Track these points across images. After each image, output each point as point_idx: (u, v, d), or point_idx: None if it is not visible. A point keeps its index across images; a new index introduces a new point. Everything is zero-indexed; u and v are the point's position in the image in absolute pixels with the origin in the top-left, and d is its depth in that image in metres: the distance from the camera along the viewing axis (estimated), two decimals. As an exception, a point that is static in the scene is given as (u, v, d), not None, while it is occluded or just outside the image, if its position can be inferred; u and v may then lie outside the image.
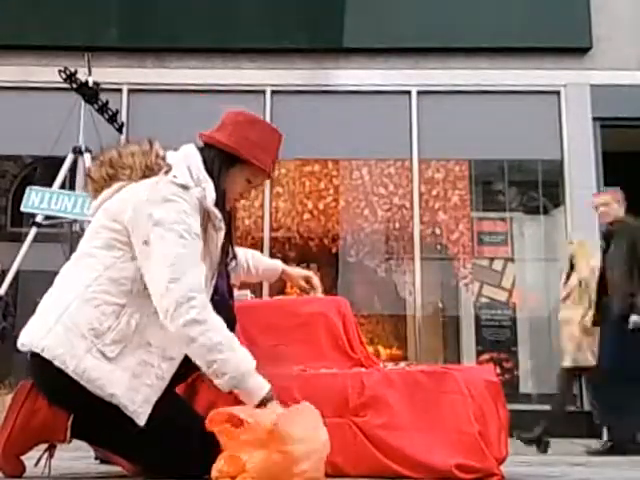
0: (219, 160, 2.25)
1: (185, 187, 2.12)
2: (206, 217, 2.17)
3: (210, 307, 2.05)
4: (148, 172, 2.21)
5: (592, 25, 7.32)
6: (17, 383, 2.20)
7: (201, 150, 2.27)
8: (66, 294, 2.10)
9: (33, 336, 2.06)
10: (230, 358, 2.01)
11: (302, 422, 2.01)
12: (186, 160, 2.22)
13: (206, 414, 2.14)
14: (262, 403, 2.03)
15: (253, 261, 2.74)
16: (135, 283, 2.08)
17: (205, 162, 2.23)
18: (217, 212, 2.16)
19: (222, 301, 2.33)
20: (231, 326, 2.23)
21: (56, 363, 2.00)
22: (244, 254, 2.70)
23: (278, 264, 2.82)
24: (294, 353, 2.56)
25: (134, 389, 2.03)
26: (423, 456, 2.31)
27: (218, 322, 2.04)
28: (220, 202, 2.21)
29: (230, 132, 2.26)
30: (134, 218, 2.09)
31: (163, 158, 2.23)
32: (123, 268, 2.09)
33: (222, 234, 2.21)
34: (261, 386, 2.05)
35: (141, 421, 2.04)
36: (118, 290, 2.07)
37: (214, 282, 2.27)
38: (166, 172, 2.17)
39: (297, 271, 2.86)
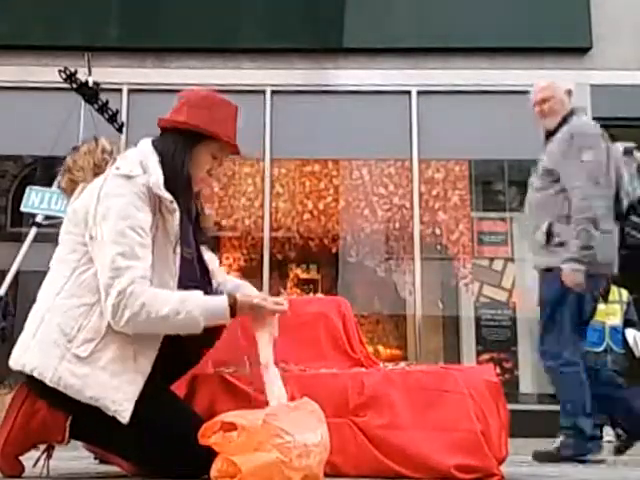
0: (181, 141, 2.25)
1: (128, 177, 2.12)
2: (157, 201, 2.15)
3: (143, 288, 2.04)
4: (97, 170, 2.25)
5: (592, 25, 7.32)
6: (17, 383, 2.20)
7: (161, 136, 2.28)
8: (40, 307, 2.14)
9: (15, 355, 2.12)
10: (184, 317, 2.05)
11: (296, 417, 2.02)
12: (137, 150, 2.23)
13: (206, 414, 2.14)
14: (234, 313, 2.12)
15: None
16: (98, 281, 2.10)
17: (163, 147, 2.22)
18: (166, 194, 2.14)
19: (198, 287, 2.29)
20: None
21: (35, 375, 2.05)
22: (232, 283, 2.53)
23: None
24: (294, 353, 2.55)
25: (114, 388, 2.03)
26: (423, 456, 2.31)
27: (155, 297, 2.04)
28: (180, 183, 2.20)
29: (187, 111, 2.26)
30: (85, 217, 2.12)
31: (110, 152, 2.27)
32: (86, 269, 2.11)
33: (177, 214, 2.17)
34: (222, 304, 2.11)
35: (124, 419, 2.03)
36: (85, 290, 2.09)
37: (178, 263, 2.21)
38: (112, 165, 2.19)
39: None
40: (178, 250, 2.20)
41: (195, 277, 2.30)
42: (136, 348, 2.09)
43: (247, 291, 2.41)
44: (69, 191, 2.30)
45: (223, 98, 2.37)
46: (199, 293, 2.12)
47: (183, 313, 2.05)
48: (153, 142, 2.27)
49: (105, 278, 2.04)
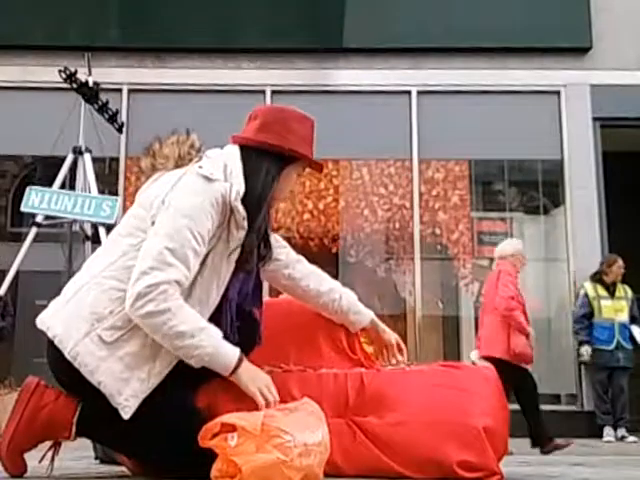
0: (272, 162, 2.19)
1: (208, 179, 2.07)
2: (228, 212, 2.10)
3: (177, 295, 1.99)
4: (180, 162, 2.21)
5: (592, 25, 7.33)
6: (18, 383, 2.20)
7: (246, 150, 2.20)
8: (82, 277, 2.13)
9: (44, 314, 2.10)
10: (193, 344, 1.99)
11: (296, 418, 2.02)
12: (223, 156, 2.18)
13: (205, 414, 2.14)
14: (234, 371, 2.06)
15: (341, 300, 2.51)
16: None
17: (249, 165, 2.17)
18: (241, 208, 2.08)
19: (247, 318, 2.28)
20: (252, 342, 2.24)
21: (56, 342, 2.03)
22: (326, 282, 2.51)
23: (368, 313, 2.54)
24: (294, 353, 2.55)
25: (124, 380, 2.01)
26: (424, 455, 2.31)
27: (181, 310, 1.99)
28: (257, 204, 2.15)
29: (277, 131, 2.21)
30: (152, 203, 2.08)
31: (198, 149, 2.24)
32: (136, 256, 2.05)
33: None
34: (232, 355, 2.05)
35: (126, 414, 2.01)
36: (129, 277, 2.03)
37: (228, 276, 2.18)
38: (196, 162, 2.16)
39: (388, 331, 2.55)
40: (233, 264, 2.15)
41: (247, 291, 2.28)
42: (158, 350, 2.05)
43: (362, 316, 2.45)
44: (147, 173, 2.26)
45: (303, 114, 2.33)
46: (218, 332, 2.05)
47: (196, 340, 1.99)
48: (241, 152, 2.20)
49: (144, 265, 1.98)
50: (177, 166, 2.20)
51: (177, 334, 1.99)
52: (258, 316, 2.37)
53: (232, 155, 2.18)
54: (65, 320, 2.05)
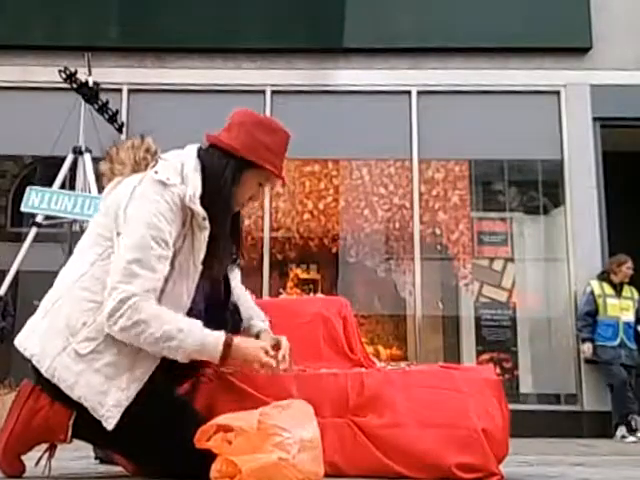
0: (231, 164, 2.21)
1: (164, 184, 2.10)
2: (189, 214, 2.13)
3: (148, 304, 2.01)
4: (136, 167, 2.21)
5: (592, 25, 7.32)
6: (17, 383, 2.20)
7: (207, 150, 2.24)
8: (55, 292, 2.14)
9: (21, 336, 2.13)
10: (175, 345, 2.02)
11: (289, 415, 2.02)
12: (179, 157, 2.21)
13: (205, 414, 2.14)
14: (224, 357, 2.07)
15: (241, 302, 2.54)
16: None
17: (210, 164, 2.20)
18: (199, 210, 2.12)
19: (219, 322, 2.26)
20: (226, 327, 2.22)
21: (33, 362, 2.06)
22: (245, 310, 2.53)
23: (260, 324, 2.50)
24: (294, 353, 2.55)
25: (104, 392, 2.02)
26: (423, 456, 2.31)
27: (159, 318, 2.01)
28: (218, 204, 2.17)
29: (242, 136, 2.23)
30: (116, 212, 2.10)
31: (154, 153, 2.23)
32: (103, 265, 2.09)
33: (206, 233, 2.15)
34: (215, 346, 2.06)
35: (109, 425, 2.02)
36: (99, 287, 2.06)
37: (197, 278, 2.21)
38: (152, 167, 2.17)
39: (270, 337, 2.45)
40: (199, 265, 2.18)
41: (218, 294, 2.32)
42: (135, 356, 2.06)
43: (256, 325, 2.44)
44: (108, 176, 2.27)
45: (278, 124, 2.33)
46: (199, 325, 2.07)
47: (175, 342, 2.02)
48: (199, 152, 2.24)
49: (113, 280, 2.01)
50: (134, 171, 2.21)
51: (156, 340, 2.01)
52: (229, 319, 2.40)
53: (189, 155, 2.21)
54: (41, 338, 2.07)
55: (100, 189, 2.35)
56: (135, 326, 1.99)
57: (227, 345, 2.07)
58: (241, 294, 2.54)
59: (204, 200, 2.13)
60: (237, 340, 2.10)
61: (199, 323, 2.08)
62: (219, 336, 2.07)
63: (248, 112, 2.33)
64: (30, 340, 2.09)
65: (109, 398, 2.02)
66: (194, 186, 2.14)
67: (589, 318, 6.73)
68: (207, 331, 2.07)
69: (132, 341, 2.02)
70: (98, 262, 2.09)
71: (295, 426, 1.98)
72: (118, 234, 2.06)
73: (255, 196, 2.35)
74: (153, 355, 2.09)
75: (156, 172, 2.13)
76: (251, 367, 2.17)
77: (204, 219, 2.13)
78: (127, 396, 2.04)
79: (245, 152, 2.22)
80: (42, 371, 2.03)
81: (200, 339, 2.05)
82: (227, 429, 1.92)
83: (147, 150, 2.23)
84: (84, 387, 2.01)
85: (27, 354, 2.07)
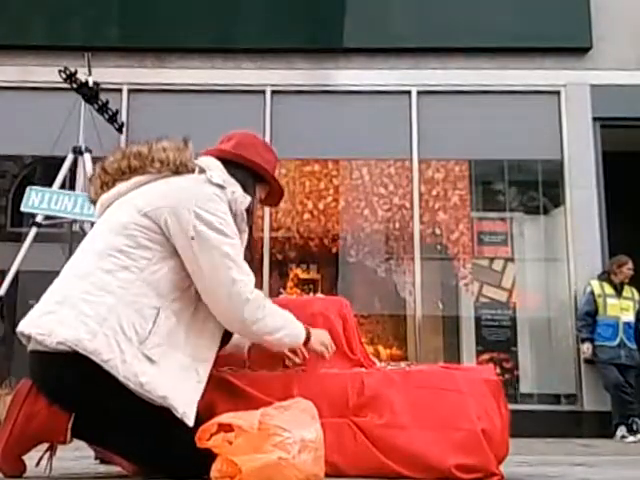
0: (250, 176, 2.40)
1: (221, 187, 2.20)
2: (232, 217, 2.23)
3: (264, 295, 2.22)
4: (182, 168, 2.25)
5: (592, 25, 7.32)
6: (17, 383, 2.20)
7: (226, 164, 2.35)
8: (102, 294, 2.04)
9: (79, 336, 1.98)
10: (285, 335, 2.29)
11: (290, 415, 2.02)
12: (207, 165, 2.29)
13: (205, 414, 2.14)
14: (307, 341, 2.39)
15: None
16: (167, 285, 2.10)
17: (234, 174, 2.33)
18: (245, 214, 2.25)
19: None
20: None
21: (106, 367, 1.98)
22: None
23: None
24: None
25: (182, 392, 2.07)
26: (423, 456, 2.31)
27: (273, 307, 2.25)
28: (250, 208, 2.31)
29: (252, 152, 2.41)
30: (175, 215, 2.10)
31: (195, 158, 2.30)
32: (156, 270, 2.09)
33: (245, 236, 2.28)
34: (302, 337, 2.37)
35: (190, 421, 2.06)
36: (154, 293, 2.08)
37: None
38: (200, 172, 2.24)
39: None
40: None
41: None
42: (196, 358, 2.14)
43: None
44: (115, 176, 2.25)
45: (268, 144, 2.62)
46: (292, 315, 2.34)
47: (282, 333, 2.28)
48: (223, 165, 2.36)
49: (229, 274, 2.11)
50: (177, 172, 2.25)
51: (276, 329, 2.26)
52: None
53: (212, 162, 2.33)
54: (110, 344, 1.99)
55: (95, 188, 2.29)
56: (269, 314, 2.21)
57: (308, 332, 2.38)
58: None
59: None
60: (311, 330, 2.42)
61: (289, 314, 2.33)
62: (302, 326, 2.37)
63: (247, 133, 2.52)
64: (96, 344, 1.98)
65: (186, 397, 2.08)
66: (239, 191, 2.27)
67: (589, 318, 6.73)
68: (297, 324, 2.35)
69: (263, 330, 2.22)
70: (150, 267, 2.09)
71: (296, 426, 1.98)
72: (192, 238, 2.09)
73: (255, 210, 2.52)
74: (210, 356, 2.21)
75: (211, 176, 2.22)
76: (317, 354, 2.46)
77: (246, 223, 2.27)
78: (198, 395, 2.12)
79: (263, 167, 2.42)
80: (119, 376, 1.98)
81: (299, 328, 2.35)
82: (228, 428, 1.92)
83: (191, 155, 2.30)
84: (164, 388, 2.03)
85: (96, 358, 1.97)
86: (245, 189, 2.31)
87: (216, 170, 2.27)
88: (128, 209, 2.16)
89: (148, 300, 2.06)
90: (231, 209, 2.20)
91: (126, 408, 2.03)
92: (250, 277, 2.17)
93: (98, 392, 2.03)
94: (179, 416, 2.04)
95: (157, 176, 2.23)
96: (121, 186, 2.24)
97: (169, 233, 2.11)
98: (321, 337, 2.45)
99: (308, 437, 2.00)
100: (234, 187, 2.25)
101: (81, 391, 2.04)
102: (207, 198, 2.15)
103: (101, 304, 2.03)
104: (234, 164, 2.36)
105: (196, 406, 2.10)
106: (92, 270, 2.09)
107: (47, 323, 2.03)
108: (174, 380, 2.06)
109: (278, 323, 2.25)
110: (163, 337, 2.06)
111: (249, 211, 2.31)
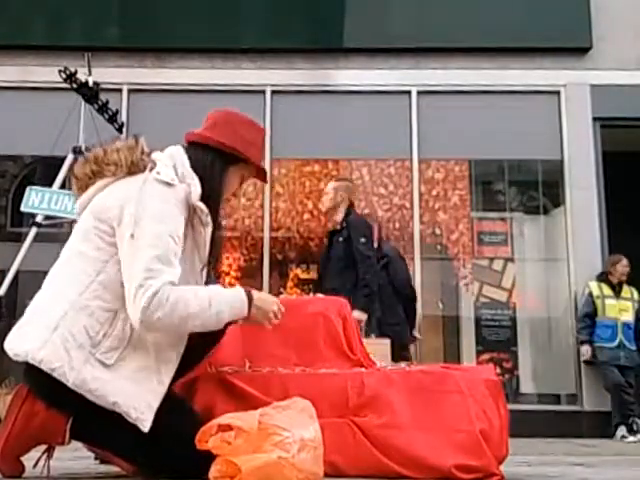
0: (218, 160, 2.30)
1: (169, 184, 2.14)
2: (192, 212, 2.18)
3: (176, 288, 2.04)
4: (133, 168, 2.20)
5: (592, 25, 7.32)
6: (17, 383, 2.20)
7: (190, 149, 2.30)
8: (59, 302, 2.08)
9: (28, 347, 2.03)
10: (211, 316, 2.09)
11: (289, 415, 2.02)
12: (171, 158, 2.24)
13: (205, 414, 2.15)
14: (250, 308, 2.17)
15: None
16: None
17: (197, 161, 2.26)
18: (203, 207, 2.18)
19: None
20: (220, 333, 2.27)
21: (55, 375, 1.99)
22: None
23: None
24: (294, 353, 2.56)
25: (136, 396, 2.04)
26: (423, 456, 2.31)
27: (184, 296, 2.05)
28: (214, 199, 2.25)
29: (225, 131, 2.31)
30: (119, 215, 2.09)
31: (148, 154, 2.24)
32: (112, 272, 2.08)
33: (209, 228, 2.21)
34: (242, 300, 2.17)
35: (145, 427, 2.03)
36: (112, 295, 2.07)
37: (204, 275, 2.28)
38: (151, 169, 2.18)
39: None
40: (205, 261, 2.25)
41: None
42: (158, 359, 2.10)
43: None
44: (84, 181, 2.24)
45: (254, 121, 2.42)
46: (219, 288, 2.18)
47: (213, 309, 2.08)
48: (189, 148, 2.30)
49: (138, 278, 2.01)
50: (130, 172, 2.20)
51: (197, 313, 2.06)
52: None
53: (178, 155, 2.26)
54: (59, 351, 2.01)
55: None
56: (175, 308, 2.02)
57: (249, 296, 2.18)
58: None
59: (202, 198, 2.20)
60: (253, 291, 2.22)
61: (219, 286, 2.20)
62: (239, 290, 2.19)
63: (223, 111, 2.41)
64: (45, 352, 2.00)
65: (141, 401, 2.04)
66: (195, 184, 2.19)
67: (588, 320, 6.73)
68: (227, 290, 2.18)
69: (176, 325, 2.05)
70: (106, 268, 2.08)
71: (295, 426, 1.98)
72: (132, 236, 2.05)
73: (236, 192, 2.44)
74: (173, 354, 2.13)
75: (158, 173, 2.15)
76: (266, 320, 2.24)
77: (207, 215, 2.19)
78: (157, 396, 2.07)
79: (231, 146, 2.30)
80: (68, 384, 1.99)
81: (230, 297, 2.15)
82: (227, 428, 1.92)
83: (142, 152, 2.23)
84: (117, 394, 2.01)
85: (45, 367, 2.00)
86: (212, 174, 2.26)
87: (166, 166, 2.18)
88: (87, 214, 2.19)
89: (104, 303, 2.06)
90: (186, 204, 2.15)
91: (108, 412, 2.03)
92: (158, 279, 2.01)
93: (68, 402, 2.03)
94: (132, 421, 2.02)
95: (112, 179, 2.21)
96: (89, 190, 2.25)
97: (117, 233, 2.10)
98: (266, 302, 2.24)
99: (307, 436, 2.00)
100: (190, 180, 2.19)
101: (55, 401, 2.06)
102: (150, 196, 2.09)
103: (55, 312, 2.06)
104: (202, 147, 2.30)
105: (155, 409, 2.05)
106: (55, 278, 2.17)
107: (12, 337, 2.11)
108: (131, 383, 2.03)
109: (191, 310, 2.05)
110: (120, 339, 2.05)
111: (216, 202, 2.25)
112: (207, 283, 2.33)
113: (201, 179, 2.22)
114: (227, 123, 2.34)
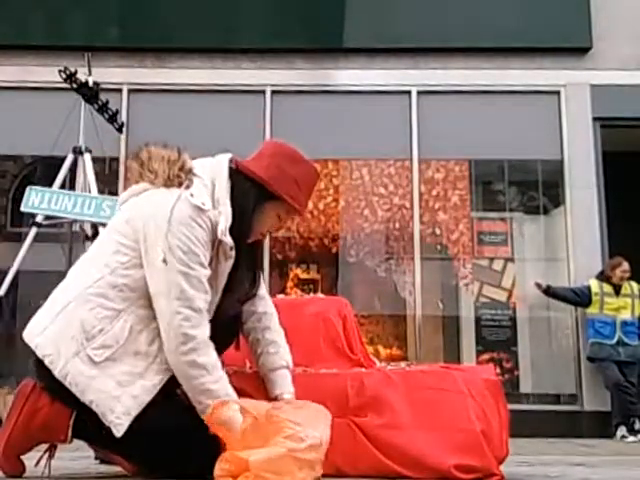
0: (254, 193, 2.22)
1: (200, 209, 2.09)
2: (217, 242, 2.14)
3: (210, 345, 2.06)
4: (169, 182, 2.17)
5: (592, 25, 7.32)
6: (18, 382, 2.20)
7: (235, 175, 2.23)
8: (68, 292, 2.12)
9: (32, 331, 2.11)
10: (209, 403, 2.03)
11: (302, 414, 2.02)
12: (212, 178, 2.19)
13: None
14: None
15: (265, 341, 2.43)
16: (136, 292, 2.08)
17: (236, 189, 2.20)
18: (228, 240, 2.13)
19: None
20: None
21: (46, 362, 2.04)
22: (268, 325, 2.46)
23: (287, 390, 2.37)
24: (294, 354, 2.55)
25: (116, 399, 2.02)
26: (423, 456, 2.31)
27: (214, 365, 2.07)
28: (243, 232, 2.19)
29: (268, 165, 2.22)
30: (146, 229, 2.08)
31: (188, 171, 2.18)
32: (126, 275, 2.08)
33: (231, 262, 2.17)
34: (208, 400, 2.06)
35: (118, 432, 2.01)
36: (116, 295, 2.07)
37: (215, 306, 2.21)
38: (187, 186, 2.14)
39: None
40: (220, 291, 2.20)
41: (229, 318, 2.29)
42: (149, 367, 2.07)
43: (274, 354, 2.38)
44: (135, 178, 2.25)
45: (308, 161, 2.30)
46: (225, 380, 2.10)
47: (210, 401, 2.02)
48: (230, 174, 2.22)
49: (174, 305, 2.02)
50: (166, 185, 2.17)
51: (204, 391, 2.05)
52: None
53: (221, 173, 2.20)
54: (54, 338, 2.05)
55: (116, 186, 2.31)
56: (200, 368, 2.04)
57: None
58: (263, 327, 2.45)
59: (231, 229, 2.15)
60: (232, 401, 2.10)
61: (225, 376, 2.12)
62: (230, 391, 2.11)
63: (281, 144, 2.33)
64: (42, 338, 2.07)
65: (120, 405, 2.02)
66: (226, 216, 2.14)
67: (570, 293, 6.82)
68: (225, 388, 2.09)
69: (184, 376, 2.05)
70: (120, 270, 2.09)
71: (308, 424, 1.98)
72: (164, 261, 2.04)
73: (274, 228, 2.35)
74: (166, 369, 2.09)
75: (192, 195, 2.11)
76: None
77: (231, 249, 2.15)
78: (138, 404, 2.04)
79: (268, 182, 2.21)
80: (55, 372, 2.02)
81: (219, 395, 2.06)
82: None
83: (181, 168, 2.18)
84: (96, 392, 2.01)
85: (39, 352, 2.06)
86: (245, 206, 2.19)
87: (204, 186, 2.15)
88: (119, 215, 2.22)
89: (107, 301, 2.06)
90: (214, 230, 2.11)
91: None
92: (197, 314, 2.04)
93: (59, 391, 2.06)
94: (107, 424, 2.01)
95: (150, 186, 2.20)
96: (130, 190, 2.27)
97: (143, 245, 2.09)
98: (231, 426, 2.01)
99: (317, 436, 1.99)
100: (223, 207, 2.14)
101: (50, 389, 2.08)
102: (179, 220, 2.06)
103: (61, 301, 2.10)
104: (244, 175, 2.23)
105: (134, 416, 2.02)
106: (76, 267, 2.21)
107: (30, 323, 2.15)
108: (114, 385, 2.02)
109: (213, 387, 2.04)
110: (117, 339, 2.04)
111: (244, 235, 2.19)
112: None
113: (234, 208, 2.16)
114: (272, 155, 2.25)
